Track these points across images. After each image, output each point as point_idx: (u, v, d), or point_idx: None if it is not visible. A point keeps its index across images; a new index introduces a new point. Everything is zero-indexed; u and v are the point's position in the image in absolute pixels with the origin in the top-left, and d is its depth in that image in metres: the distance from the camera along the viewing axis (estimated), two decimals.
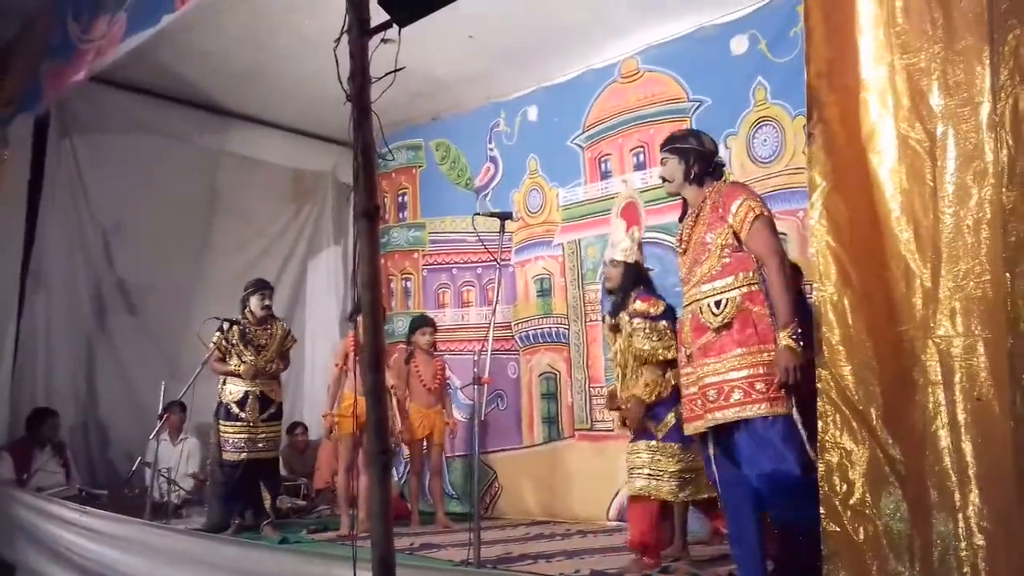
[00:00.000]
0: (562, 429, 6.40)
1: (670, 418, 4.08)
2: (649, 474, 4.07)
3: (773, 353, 3.02)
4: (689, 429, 3.36)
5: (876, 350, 2.24)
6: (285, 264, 8.30)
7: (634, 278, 4.36)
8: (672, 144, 3.55)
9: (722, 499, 3.40)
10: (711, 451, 3.28)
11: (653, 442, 4.11)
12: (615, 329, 4.40)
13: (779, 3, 5.34)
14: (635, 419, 4.16)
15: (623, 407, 4.25)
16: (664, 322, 4.17)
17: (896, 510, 2.18)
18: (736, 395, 3.07)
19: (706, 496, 4.04)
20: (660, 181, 3.64)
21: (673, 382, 4.05)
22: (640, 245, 4.53)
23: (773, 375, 3.00)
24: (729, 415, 3.07)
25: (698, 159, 3.45)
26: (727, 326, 3.14)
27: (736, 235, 3.20)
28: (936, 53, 2.18)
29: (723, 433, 3.17)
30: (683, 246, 3.42)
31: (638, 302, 4.27)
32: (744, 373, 3.06)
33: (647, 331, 4.17)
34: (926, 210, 2.18)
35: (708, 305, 3.21)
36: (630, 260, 4.38)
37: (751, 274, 3.17)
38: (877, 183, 2.27)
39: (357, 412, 5.47)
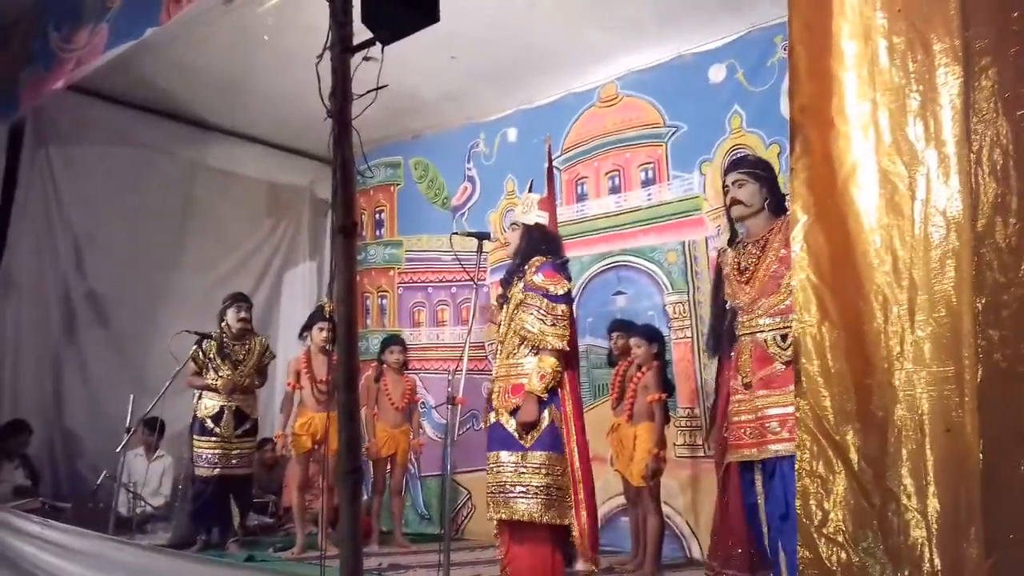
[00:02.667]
0: None
1: (544, 422, 3.59)
2: (523, 492, 3.56)
3: None
4: (735, 456, 3.30)
5: (853, 381, 2.27)
6: (260, 279, 8.21)
7: (535, 243, 3.86)
8: (753, 168, 3.49)
9: (749, 525, 3.34)
10: (756, 477, 3.27)
11: (520, 453, 3.59)
12: (504, 300, 3.81)
13: (757, 34, 5.44)
14: (530, 417, 3.57)
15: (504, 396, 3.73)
16: (563, 307, 3.66)
17: (869, 539, 2.20)
18: None
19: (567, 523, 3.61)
20: (732, 202, 3.47)
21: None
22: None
23: None
24: (792, 448, 2.96)
25: (773, 190, 3.44)
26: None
27: None
28: (917, 91, 2.22)
29: (770, 463, 3.15)
30: (747, 275, 3.37)
31: (539, 275, 3.69)
32: None
33: (540, 310, 3.64)
34: (904, 243, 2.21)
35: (775, 338, 3.19)
36: (530, 222, 3.88)
37: None
38: (857, 217, 2.30)
39: (312, 430, 5.44)
